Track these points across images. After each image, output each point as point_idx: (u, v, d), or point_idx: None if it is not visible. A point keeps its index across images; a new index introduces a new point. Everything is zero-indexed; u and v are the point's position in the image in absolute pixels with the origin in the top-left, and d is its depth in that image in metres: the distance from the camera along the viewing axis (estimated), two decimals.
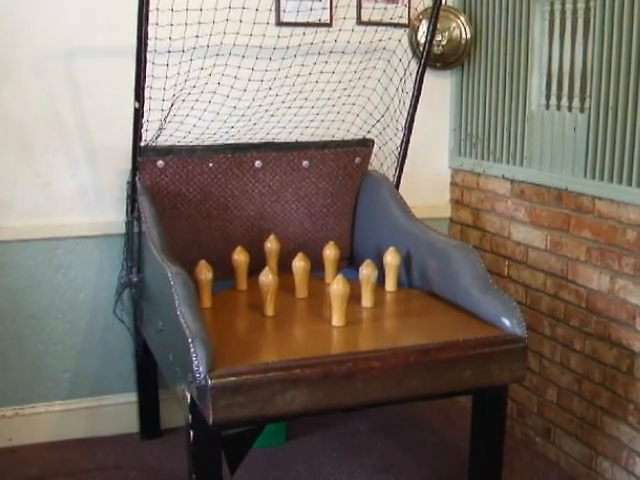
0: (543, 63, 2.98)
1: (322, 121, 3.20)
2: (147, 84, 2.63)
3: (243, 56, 3.01)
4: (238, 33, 2.91)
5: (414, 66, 3.26)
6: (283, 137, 3.16)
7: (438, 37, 3.27)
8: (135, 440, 3.21)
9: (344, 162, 3.16)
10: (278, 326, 2.53)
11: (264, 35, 3.01)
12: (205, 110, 2.98)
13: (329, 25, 3.18)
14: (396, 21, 3.28)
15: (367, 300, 2.65)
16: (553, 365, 3.01)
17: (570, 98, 2.86)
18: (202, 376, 2.05)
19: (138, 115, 2.66)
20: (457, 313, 2.56)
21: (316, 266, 2.86)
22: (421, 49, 3.21)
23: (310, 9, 3.13)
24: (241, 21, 2.89)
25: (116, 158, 3.03)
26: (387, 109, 3.31)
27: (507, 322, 2.37)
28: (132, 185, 2.87)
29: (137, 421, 3.24)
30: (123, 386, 3.24)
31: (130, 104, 2.64)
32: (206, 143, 3.02)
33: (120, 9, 2.87)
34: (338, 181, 3.17)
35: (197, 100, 2.95)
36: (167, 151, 2.92)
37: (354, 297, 2.56)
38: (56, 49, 2.94)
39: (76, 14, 2.94)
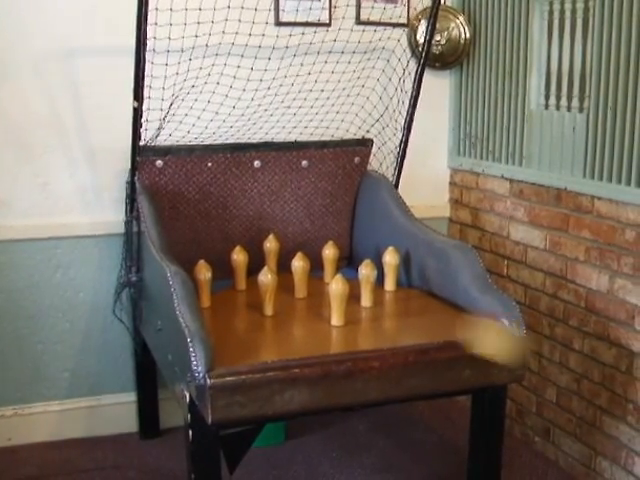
0: (542, 63, 2.98)
1: (321, 121, 3.20)
2: (146, 84, 2.63)
3: (242, 56, 3.01)
4: (237, 33, 2.91)
5: (413, 66, 3.26)
6: (282, 137, 3.16)
7: (437, 37, 3.26)
8: (134, 440, 3.20)
9: (343, 162, 3.16)
10: (277, 326, 2.53)
11: (263, 35, 3.01)
12: (204, 110, 2.97)
13: (328, 25, 3.18)
14: (395, 21, 3.28)
15: (366, 300, 2.65)
16: (552, 365, 3.01)
17: (569, 98, 2.86)
18: (201, 376, 2.05)
19: (137, 115, 2.66)
20: (456, 313, 2.56)
21: (315, 266, 2.85)
22: (420, 49, 3.21)
23: (309, 9, 3.13)
24: (240, 21, 2.89)
25: (115, 158, 3.03)
26: (386, 109, 3.31)
27: (506, 322, 2.37)
28: (131, 185, 2.87)
29: (136, 421, 3.24)
30: (122, 386, 3.24)
31: (129, 104, 2.64)
32: (205, 143, 3.01)
33: (119, 9, 2.87)
34: (337, 181, 3.17)
35: (196, 100, 2.95)
36: (166, 151, 2.92)
37: (353, 297, 2.56)
38: (55, 49, 2.94)
39: (75, 14, 2.94)
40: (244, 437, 2.38)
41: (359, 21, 3.23)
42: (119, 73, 2.86)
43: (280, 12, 3.12)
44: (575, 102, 2.83)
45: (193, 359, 2.06)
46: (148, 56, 2.57)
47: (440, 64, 3.40)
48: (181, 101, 2.92)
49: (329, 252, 2.93)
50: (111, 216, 3.07)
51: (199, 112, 2.97)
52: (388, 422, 3.33)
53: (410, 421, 3.36)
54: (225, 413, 2.06)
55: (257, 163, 3.05)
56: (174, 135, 2.95)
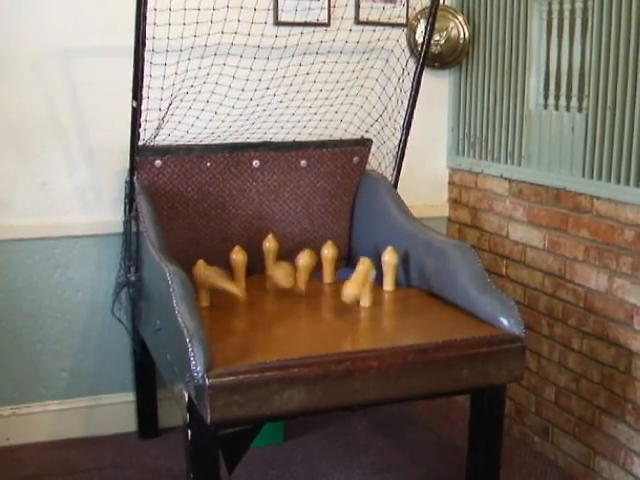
0: (541, 63, 2.98)
1: (320, 120, 3.20)
2: (145, 83, 2.62)
3: (241, 56, 3.01)
4: (236, 33, 2.91)
5: (412, 66, 3.26)
6: (281, 137, 3.16)
7: (436, 37, 3.27)
8: (133, 439, 3.20)
9: (342, 162, 3.16)
10: (276, 325, 2.53)
11: (262, 35, 3.01)
12: (203, 110, 2.97)
13: (327, 25, 3.18)
14: (394, 21, 3.28)
15: (365, 299, 2.64)
16: (551, 365, 3.01)
17: (568, 98, 2.86)
18: (200, 375, 2.05)
19: (136, 114, 2.66)
20: (455, 312, 2.56)
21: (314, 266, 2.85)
22: (419, 49, 3.21)
23: (308, 9, 3.13)
24: (239, 21, 2.89)
25: (114, 157, 3.02)
26: (385, 109, 3.31)
27: (505, 321, 2.37)
28: (130, 184, 2.87)
29: (135, 420, 3.24)
30: (121, 385, 3.23)
31: (128, 103, 2.64)
32: (204, 142, 3.01)
33: (118, 9, 2.87)
34: (336, 180, 3.17)
35: (195, 100, 2.95)
36: (165, 151, 2.92)
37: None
38: (54, 49, 2.94)
39: (74, 13, 2.94)
40: (243, 437, 2.38)
41: (358, 21, 3.23)
42: (118, 73, 2.86)
43: (279, 12, 3.12)
44: (574, 102, 2.83)
45: (192, 359, 2.06)
46: (147, 56, 2.57)
47: (439, 64, 3.40)
48: (180, 101, 2.92)
49: (328, 252, 2.93)
50: (110, 216, 3.07)
51: (198, 112, 2.97)
52: (387, 422, 3.33)
53: (409, 421, 3.36)
54: (224, 413, 2.06)
55: (256, 163, 3.05)
56: (173, 135, 2.95)
